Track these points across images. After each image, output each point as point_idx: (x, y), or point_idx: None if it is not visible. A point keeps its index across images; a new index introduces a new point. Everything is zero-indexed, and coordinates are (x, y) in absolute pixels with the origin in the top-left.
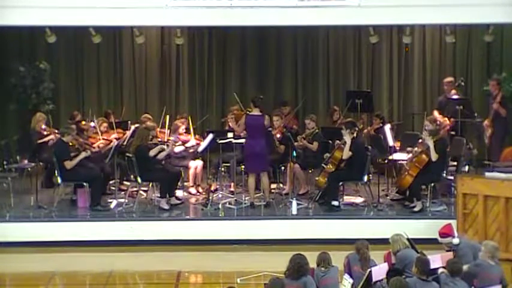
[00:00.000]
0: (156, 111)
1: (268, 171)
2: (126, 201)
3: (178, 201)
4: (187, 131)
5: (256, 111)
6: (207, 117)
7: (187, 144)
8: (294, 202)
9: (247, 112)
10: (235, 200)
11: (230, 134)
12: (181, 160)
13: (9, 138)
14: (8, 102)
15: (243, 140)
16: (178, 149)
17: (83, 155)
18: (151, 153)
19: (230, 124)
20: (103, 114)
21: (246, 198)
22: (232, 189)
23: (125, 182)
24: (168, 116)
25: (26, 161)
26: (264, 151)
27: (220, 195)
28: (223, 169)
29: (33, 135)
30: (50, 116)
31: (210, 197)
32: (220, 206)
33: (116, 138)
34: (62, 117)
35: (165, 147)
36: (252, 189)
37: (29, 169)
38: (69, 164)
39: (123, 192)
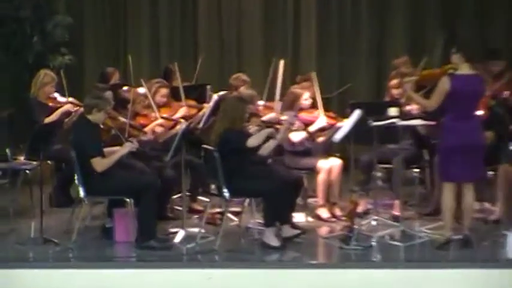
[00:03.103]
0: (256, 69)
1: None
2: (203, 231)
3: (297, 232)
4: (314, 105)
5: (466, 69)
6: (350, 86)
7: (313, 128)
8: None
9: (452, 71)
10: (402, 230)
11: (393, 110)
12: (302, 157)
13: None
14: None
15: (417, 122)
16: (297, 136)
17: (125, 148)
18: (250, 142)
19: (393, 92)
20: (162, 74)
21: (424, 228)
22: (396, 211)
23: (200, 197)
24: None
25: (21, 158)
26: (482, 141)
27: (374, 222)
28: (379, 174)
29: (35, 111)
30: (64, 75)
31: (356, 225)
32: (374, 241)
33: (183, 118)
34: (88, 78)
35: (273, 131)
36: (450, 212)
37: (28, 172)
38: (100, 164)
39: (196, 216)
